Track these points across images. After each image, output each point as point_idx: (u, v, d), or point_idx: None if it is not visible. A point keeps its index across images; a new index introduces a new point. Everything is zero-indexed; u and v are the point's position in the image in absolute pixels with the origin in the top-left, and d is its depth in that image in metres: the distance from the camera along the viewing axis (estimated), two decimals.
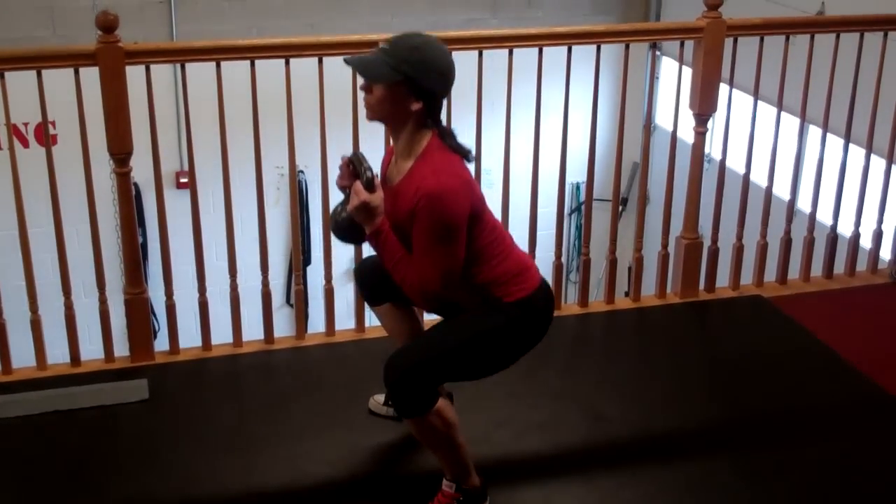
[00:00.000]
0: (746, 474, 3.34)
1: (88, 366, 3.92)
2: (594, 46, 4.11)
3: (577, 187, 7.93)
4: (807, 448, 3.48)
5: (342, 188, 2.89)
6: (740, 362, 4.01)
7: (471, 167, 2.92)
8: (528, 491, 3.28)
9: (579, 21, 7.52)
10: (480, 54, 3.94)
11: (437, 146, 2.83)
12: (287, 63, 3.77)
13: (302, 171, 7.51)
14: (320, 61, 3.81)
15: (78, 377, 3.81)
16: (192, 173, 3.89)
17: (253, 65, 3.74)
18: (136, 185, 7.21)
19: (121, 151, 3.66)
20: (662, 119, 7.55)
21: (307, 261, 7.75)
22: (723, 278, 4.57)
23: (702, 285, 4.47)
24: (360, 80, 2.81)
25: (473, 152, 2.93)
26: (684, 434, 3.58)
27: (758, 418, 3.66)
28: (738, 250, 4.47)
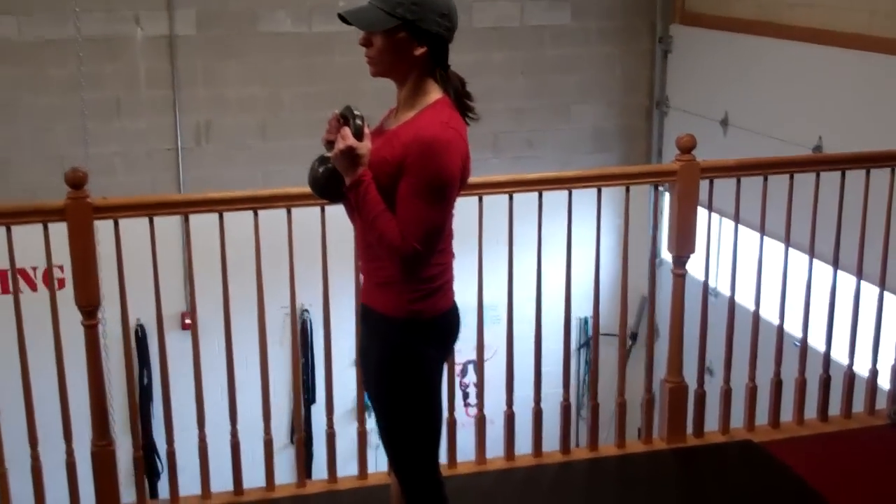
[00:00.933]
0: None
1: None
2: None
3: (586, 321, 7.85)
4: None
5: (327, 143, 2.75)
6: None
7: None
8: None
9: (579, 160, 7.58)
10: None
11: (449, 104, 2.70)
12: (255, 214, 3.82)
13: (307, 311, 7.55)
14: (289, 211, 3.86)
15: None
16: (158, 323, 3.89)
17: (221, 217, 3.77)
18: (141, 326, 7.29)
19: (88, 304, 3.68)
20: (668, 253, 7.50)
21: (312, 399, 7.70)
22: (713, 421, 4.46)
23: (691, 429, 4.36)
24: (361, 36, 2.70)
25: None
26: None
27: None
28: (727, 393, 4.36)
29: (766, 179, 4.19)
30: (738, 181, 4.17)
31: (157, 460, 7.44)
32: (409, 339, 2.81)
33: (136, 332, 7.20)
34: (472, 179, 3.72)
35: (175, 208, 3.76)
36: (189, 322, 7.01)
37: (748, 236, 4.30)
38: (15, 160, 7.10)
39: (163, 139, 7.31)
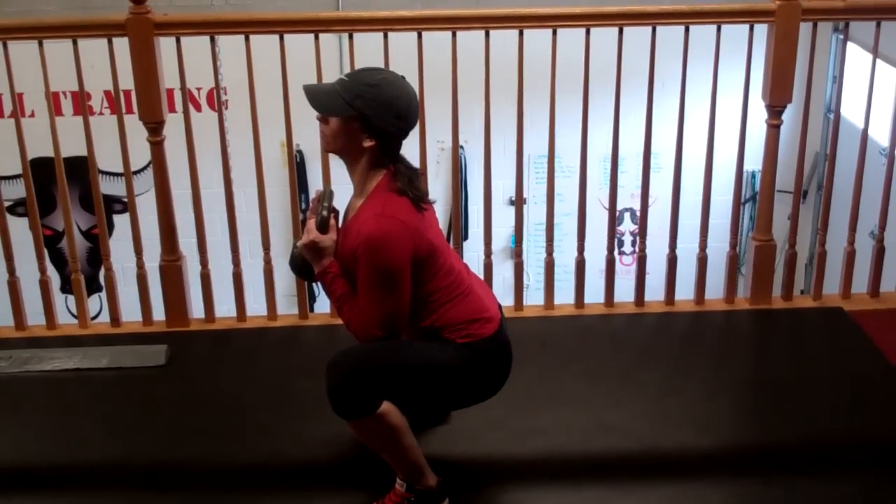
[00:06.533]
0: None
1: (127, 327, 4.07)
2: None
3: (753, 175, 7.46)
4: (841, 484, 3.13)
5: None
6: (787, 381, 3.64)
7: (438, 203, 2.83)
8: (507, 493, 3.14)
9: None
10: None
11: (385, 187, 2.78)
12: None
13: (461, 147, 7.49)
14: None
15: (113, 337, 3.97)
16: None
17: (282, 38, 3.75)
18: (300, 152, 7.45)
19: (152, 120, 3.75)
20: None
21: (465, 236, 7.71)
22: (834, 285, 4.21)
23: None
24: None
25: (430, 196, 2.87)
26: (699, 454, 3.29)
27: (790, 445, 3.32)
28: (821, 256, 4.06)
29: (878, 25, 3.77)
30: (847, 25, 3.77)
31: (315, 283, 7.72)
32: (455, 355, 2.87)
33: (295, 157, 7.35)
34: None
35: (237, 27, 3.73)
36: None
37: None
38: None
39: None
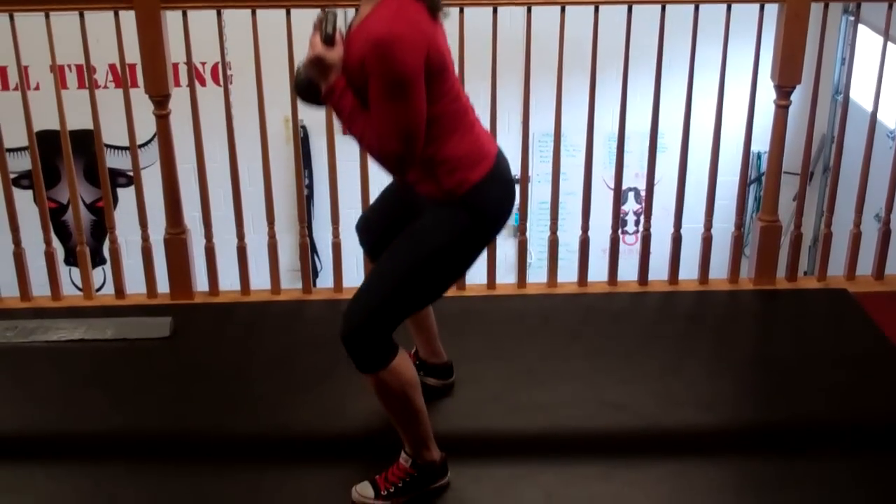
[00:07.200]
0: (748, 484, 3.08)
1: (131, 299, 4.07)
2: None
3: (759, 156, 7.46)
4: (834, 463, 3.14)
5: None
6: (789, 361, 3.64)
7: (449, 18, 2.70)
8: (508, 467, 3.14)
9: None
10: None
11: None
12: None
13: None
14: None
15: (118, 309, 3.98)
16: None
17: (289, 13, 3.73)
18: (304, 128, 7.43)
19: (158, 94, 3.75)
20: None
21: None
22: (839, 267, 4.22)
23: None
24: None
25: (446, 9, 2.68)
26: (700, 432, 3.30)
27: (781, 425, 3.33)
28: (826, 237, 4.06)
29: (890, 7, 3.75)
30: (858, 6, 3.75)
31: (317, 259, 7.72)
32: (448, 231, 2.78)
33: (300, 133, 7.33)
34: None
35: (244, 1, 3.72)
36: None
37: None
38: None
39: None
